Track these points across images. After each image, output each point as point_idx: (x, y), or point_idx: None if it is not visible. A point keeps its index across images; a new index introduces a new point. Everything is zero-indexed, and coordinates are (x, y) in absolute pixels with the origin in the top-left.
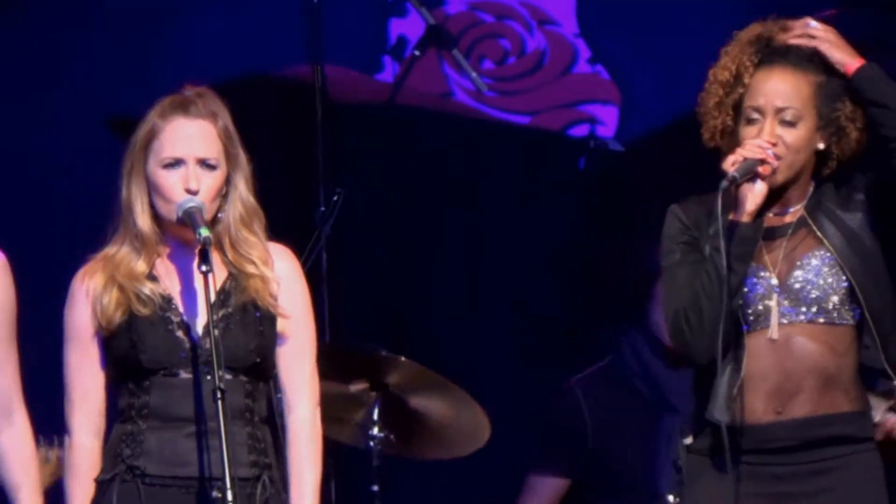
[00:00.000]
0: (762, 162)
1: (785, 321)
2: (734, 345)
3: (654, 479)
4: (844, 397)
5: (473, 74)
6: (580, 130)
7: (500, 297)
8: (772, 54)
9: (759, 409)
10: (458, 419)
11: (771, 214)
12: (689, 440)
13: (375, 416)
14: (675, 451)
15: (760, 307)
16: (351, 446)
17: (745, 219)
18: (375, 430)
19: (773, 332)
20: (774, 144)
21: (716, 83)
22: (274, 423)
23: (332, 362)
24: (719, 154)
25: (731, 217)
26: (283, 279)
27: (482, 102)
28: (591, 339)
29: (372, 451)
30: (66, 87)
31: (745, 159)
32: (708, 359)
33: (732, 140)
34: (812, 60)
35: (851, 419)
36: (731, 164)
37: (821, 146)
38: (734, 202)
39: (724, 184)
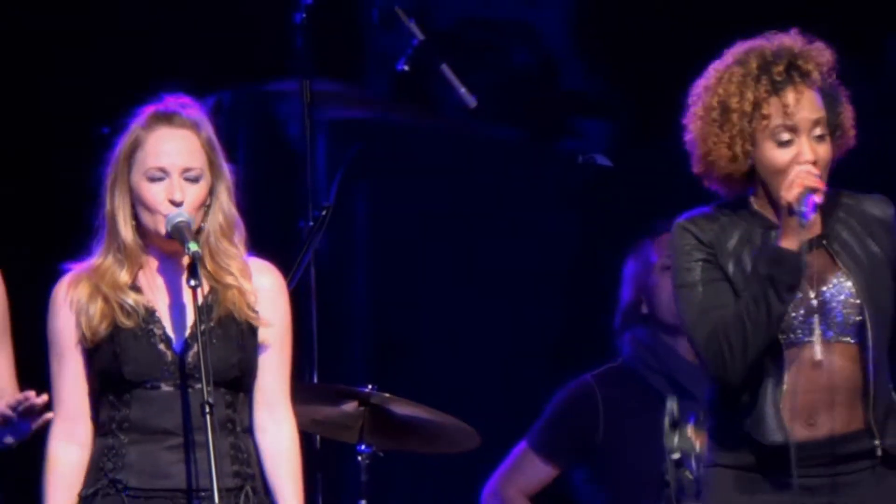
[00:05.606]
0: (815, 190)
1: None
2: (773, 361)
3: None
4: (871, 413)
5: (462, 90)
6: (569, 145)
7: (489, 308)
8: (783, 75)
9: (793, 425)
10: (445, 431)
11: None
12: (676, 456)
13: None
14: (665, 467)
15: (798, 323)
16: (339, 463)
17: (796, 247)
18: (363, 446)
19: (818, 352)
20: (815, 163)
21: (730, 112)
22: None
23: (319, 394)
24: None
25: (778, 242)
26: (266, 293)
27: (470, 117)
28: (583, 353)
29: (360, 466)
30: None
31: (804, 187)
32: (742, 380)
33: (741, 166)
34: (813, 74)
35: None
36: (794, 196)
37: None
38: (781, 225)
39: (805, 221)
